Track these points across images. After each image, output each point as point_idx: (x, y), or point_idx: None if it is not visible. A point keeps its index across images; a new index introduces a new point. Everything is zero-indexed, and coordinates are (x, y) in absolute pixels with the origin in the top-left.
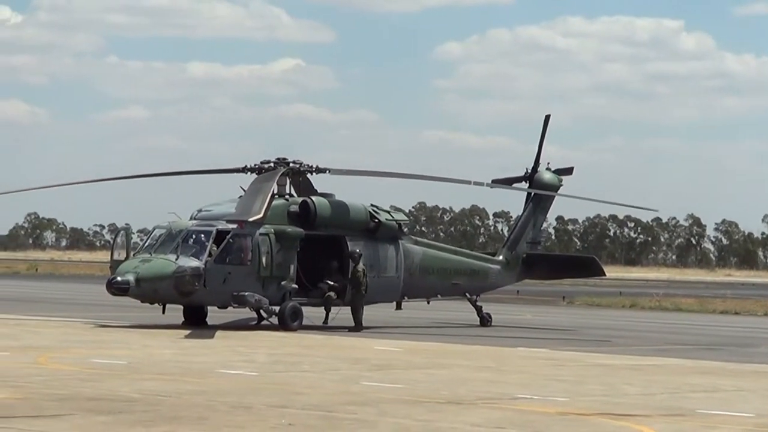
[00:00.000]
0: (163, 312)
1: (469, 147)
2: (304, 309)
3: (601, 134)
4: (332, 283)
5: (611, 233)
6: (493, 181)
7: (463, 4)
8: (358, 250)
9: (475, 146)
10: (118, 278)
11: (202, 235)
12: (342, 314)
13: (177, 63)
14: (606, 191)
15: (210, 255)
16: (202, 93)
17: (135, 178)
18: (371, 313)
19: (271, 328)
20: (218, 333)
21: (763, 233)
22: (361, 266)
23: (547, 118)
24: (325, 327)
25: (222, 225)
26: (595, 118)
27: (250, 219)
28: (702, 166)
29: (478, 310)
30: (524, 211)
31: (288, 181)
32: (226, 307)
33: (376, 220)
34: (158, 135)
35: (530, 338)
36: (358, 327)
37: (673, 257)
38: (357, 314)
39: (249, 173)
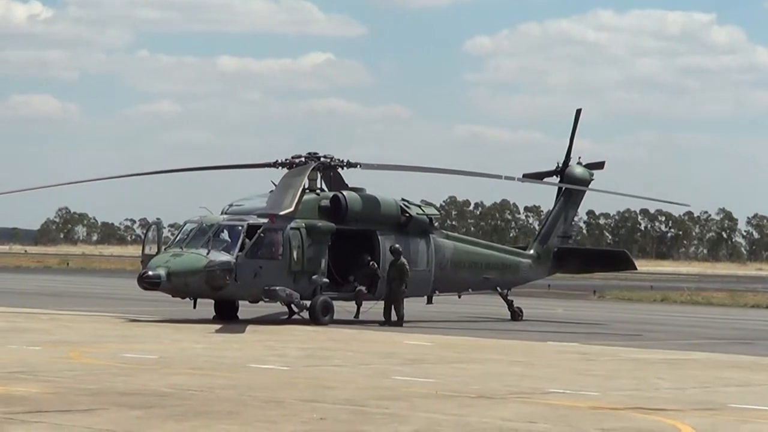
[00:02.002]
0: (194, 306)
1: (500, 141)
2: (336, 303)
3: (632, 128)
4: (364, 277)
5: (642, 227)
6: (524, 176)
7: None
8: (398, 245)
9: (506, 140)
10: (150, 272)
11: (234, 230)
12: (374, 308)
13: (208, 57)
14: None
15: (241, 249)
16: (232, 87)
17: (166, 173)
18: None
19: (302, 322)
20: (249, 327)
21: None
22: (403, 260)
23: (578, 112)
24: (356, 321)
25: (253, 219)
26: (627, 113)
27: (281, 213)
28: (733, 160)
29: (509, 304)
30: (555, 205)
31: (319, 176)
32: (257, 302)
33: (407, 215)
34: (189, 129)
35: (561, 332)
36: (400, 321)
37: (705, 251)
38: (400, 309)
39: (280, 168)
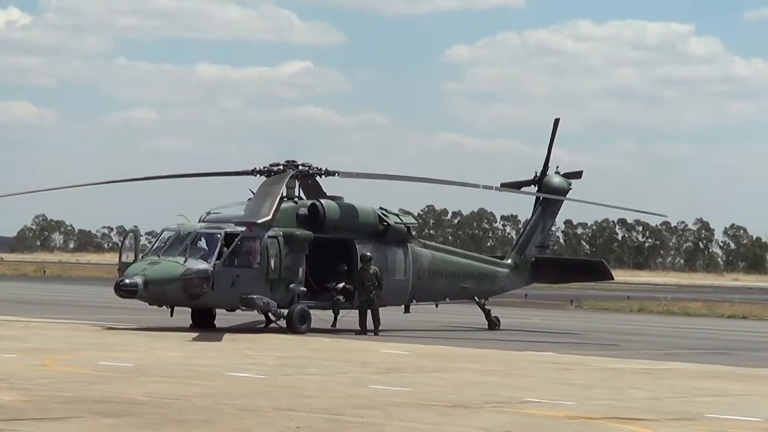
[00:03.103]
0: (171, 315)
1: (479, 150)
2: (313, 312)
3: (610, 138)
4: (341, 285)
5: (620, 237)
6: (502, 185)
7: (472, 8)
8: (369, 253)
9: (485, 150)
10: (126, 280)
11: (211, 238)
12: (349, 317)
13: (186, 65)
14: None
15: (219, 258)
16: (211, 95)
17: (143, 180)
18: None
19: (280, 330)
20: (226, 336)
21: None
22: (374, 268)
23: (557, 121)
24: (333, 330)
25: (231, 227)
26: (605, 123)
27: (259, 221)
28: (711, 170)
29: (487, 313)
30: (533, 214)
31: (297, 184)
32: (234, 310)
33: (385, 223)
34: (167, 137)
35: (538, 342)
36: (376, 329)
37: (681, 261)
38: (378, 316)
39: (258, 176)
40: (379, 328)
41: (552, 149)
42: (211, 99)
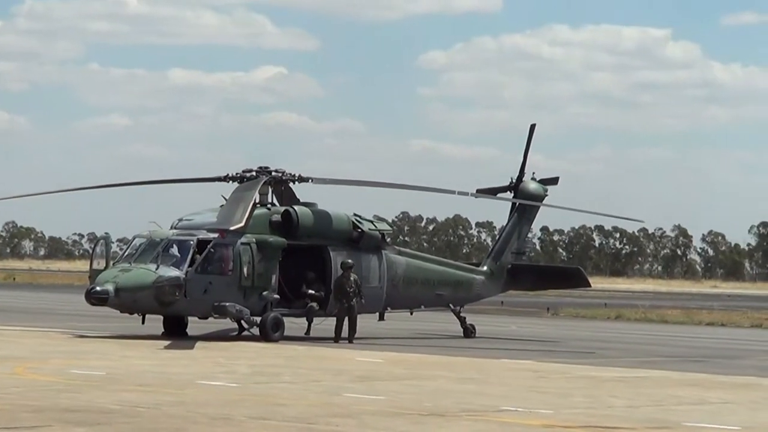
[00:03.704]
0: (143, 322)
1: (454, 156)
2: (286, 319)
3: (587, 144)
4: (314, 293)
5: (597, 244)
6: (478, 191)
7: (447, 12)
8: (350, 260)
9: (460, 155)
10: (98, 288)
11: (183, 245)
12: (324, 325)
13: (159, 71)
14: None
15: (191, 265)
16: (183, 101)
17: (115, 187)
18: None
19: (253, 338)
20: (198, 344)
21: (749, 244)
22: (354, 275)
23: (533, 127)
24: (307, 338)
25: (203, 234)
26: (581, 128)
27: (232, 228)
28: (689, 176)
29: (462, 321)
30: (509, 221)
31: (270, 190)
32: (206, 318)
33: (359, 230)
34: (139, 143)
35: (514, 350)
36: (351, 337)
37: (659, 268)
38: (355, 324)
39: (230, 182)
40: (354, 336)
41: (528, 155)
42: (183, 105)
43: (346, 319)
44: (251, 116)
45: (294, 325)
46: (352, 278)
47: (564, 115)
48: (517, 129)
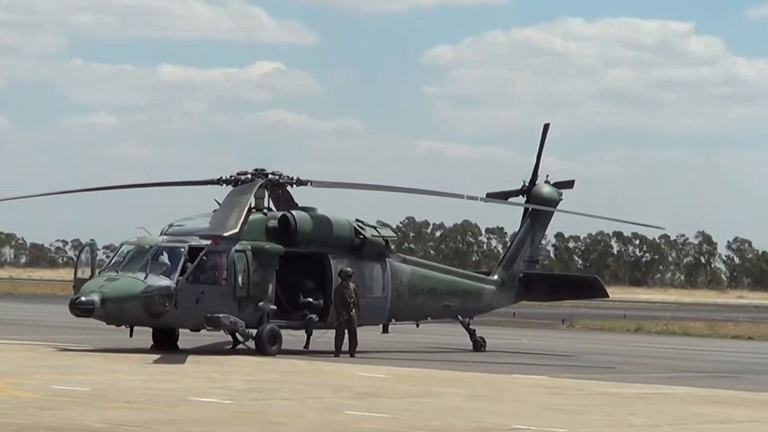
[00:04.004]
0: (131, 335)
1: (462, 158)
2: (284, 332)
3: (604, 145)
4: (314, 303)
5: (615, 251)
6: (488, 195)
7: (454, 5)
8: (349, 269)
9: (469, 157)
10: (82, 298)
11: (174, 252)
12: (324, 338)
13: (148, 66)
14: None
15: (182, 273)
16: (174, 98)
17: (101, 191)
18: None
19: (248, 352)
20: (190, 358)
21: None
22: (353, 284)
23: (546, 127)
24: (306, 351)
25: (195, 241)
26: (598, 128)
27: (226, 234)
28: (712, 179)
29: (471, 333)
30: (521, 227)
31: (266, 194)
32: (198, 330)
33: (362, 237)
34: (127, 143)
35: (527, 364)
36: (352, 351)
37: (682, 277)
38: (356, 337)
39: (224, 185)
40: (356, 349)
41: (541, 157)
42: (174, 102)
43: (347, 331)
44: (246, 115)
45: (292, 337)
46: (351, 287)
47: (579, 114)
48: (529, 129)
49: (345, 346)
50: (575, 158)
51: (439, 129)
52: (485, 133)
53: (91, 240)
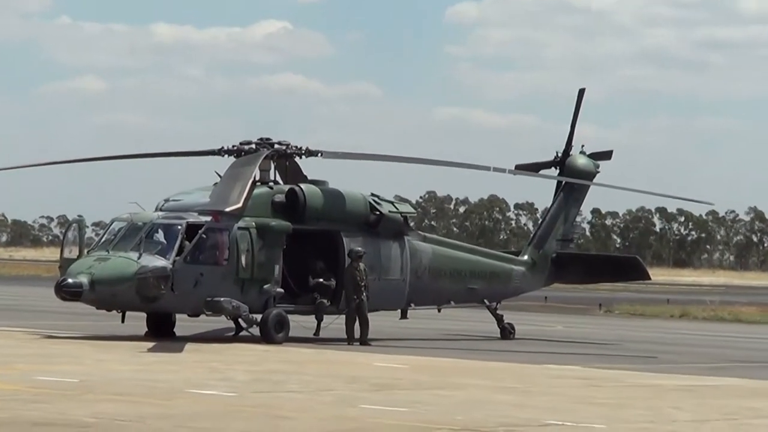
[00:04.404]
0: (123, 321)
1: (488, 126)
2: (292, 318)
3: (645, 112)
4: (325, 286)
5: (657, 229)
6: (517, 167)
7: None
8: (360, 248)
9: (495, 125)
10: (69, 280)
11: (170, 230)
12: (336, 324)
13: (140, 25)
14: (651, 180)
15: (179, 253)
16: (170, 61)
17: (89, 162)
18: (372, 322)
19: (252, 340)
20: (188, 346)
21: None
22: (363, 265)
23: (581, 92)
24: (316, 339)
25: (193, 217)
26: (638, 93)
27: (227, 210)
28: (765, 149)
29: (499, 319)
30: (554, 202)
31: (272, 166)
32: (197, 315)
33: (377, 213)
34: (118, 110)
35: (561, 353)
36: (365, 338)
37: (731, 258)
38: (368, 321)
39: (226, 156)
40: (368, 335)
41: (576, 125)
42: (170, 65)
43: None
44: (250, 79)
45: (301, 324)
46: (362, 268)
47: (617, 78)
48: (561, 94)
49: (358, 333)
50: (613, 126)
51: (462, 94)
52: (513, 98)
53: (79, 216)
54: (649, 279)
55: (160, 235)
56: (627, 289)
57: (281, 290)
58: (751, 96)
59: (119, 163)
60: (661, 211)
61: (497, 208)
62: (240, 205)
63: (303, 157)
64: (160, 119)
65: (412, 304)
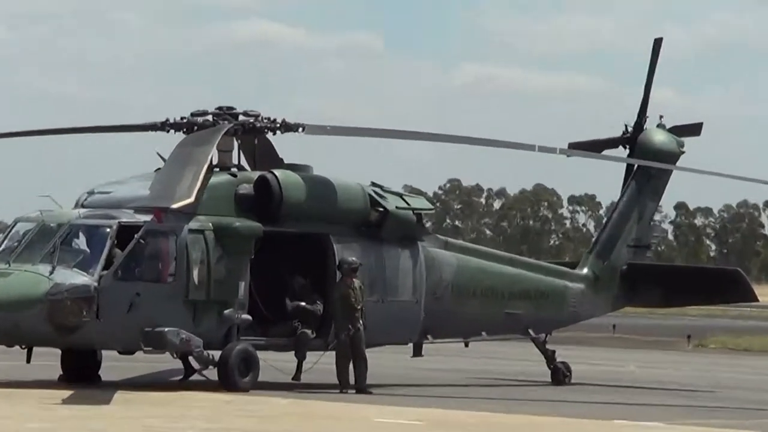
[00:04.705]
0: (28, 360)
1: (529, 90)
2: (262, 355)
3: (743, 72)
4: (308, 309)
5: (766, 232)
6: (570, 146)
7: None
8: (354, 258)
9: (539, 88)
10: None
11: (95, 233)
12: (323, 363)
13: None
14: (756, 164)
15: (107, 266)
16: (98, 5)
17: None
18: (372, 361)
19: (208, 386)
20: (118, 395)
21: None
22: (359, 282)
23: (658, 43)
24: (296, 384)
25: (127, 216)
26: (733, 47)
27: (174, 206)
28: None
29: (549, 357)
30: (623, 195)
31: (236, 145)
32: (132, 352)
33: (381, 209)
34: (28, 70)
35: (636, 404)
36: (362, 382)
37: None
38: (365, 360)
39: (172, 131)
40: (366, 380)
41: (651, 88)
42: (98, 11)
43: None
44: (209, 28)
45: (273, 364)
46: (357, 286)
47: (704, 25)
48: (628, 48)
49: (353, 377)
50: (701, 92)
51: (491, 47)
52: (562, 53)
53: None
54: (756, 300)
55: (81, 241)
56: (726, 314)
57: (248, 317)
58: None
59: (28, 141)
60: None
61: (545, 203)
62: (192, 198)
63: (278, 132)
64: (86, 85)
65: (429, 336)
